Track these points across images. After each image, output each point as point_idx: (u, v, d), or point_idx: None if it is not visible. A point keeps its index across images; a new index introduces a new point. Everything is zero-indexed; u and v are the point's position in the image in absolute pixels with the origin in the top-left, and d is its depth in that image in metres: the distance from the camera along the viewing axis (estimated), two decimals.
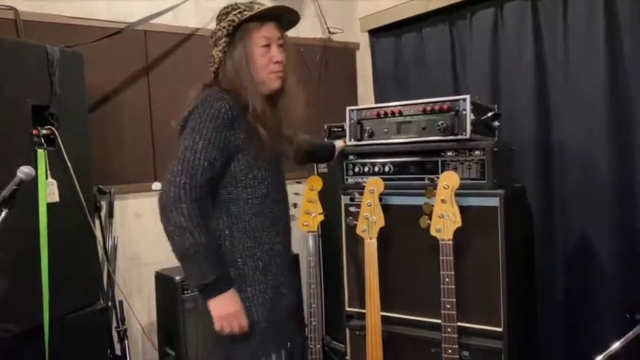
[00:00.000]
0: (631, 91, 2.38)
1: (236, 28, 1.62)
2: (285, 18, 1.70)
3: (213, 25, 1.74)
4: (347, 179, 2.48)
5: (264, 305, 1.62)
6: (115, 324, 2.75)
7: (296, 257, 3.18)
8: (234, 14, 1.62)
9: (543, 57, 2.69)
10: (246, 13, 1.62)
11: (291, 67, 1.72)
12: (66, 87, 2.30)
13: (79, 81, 2.45)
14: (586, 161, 2.52)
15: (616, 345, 1.83)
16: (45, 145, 2.20)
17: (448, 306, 2.02)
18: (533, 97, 2.70)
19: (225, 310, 1.53)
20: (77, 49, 2.51)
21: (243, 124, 1.59)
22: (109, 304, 2.70)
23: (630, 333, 1.83)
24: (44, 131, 2.21)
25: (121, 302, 2.78)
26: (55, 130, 2.24)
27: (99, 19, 2.81)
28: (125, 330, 2.75)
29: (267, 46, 1.64)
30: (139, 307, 2.94)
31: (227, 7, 1.67)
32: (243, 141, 1.58)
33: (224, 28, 1.62)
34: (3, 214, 1.60)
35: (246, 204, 1.60)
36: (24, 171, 1.65)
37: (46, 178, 2.19)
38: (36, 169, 1.92)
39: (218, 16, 1.68)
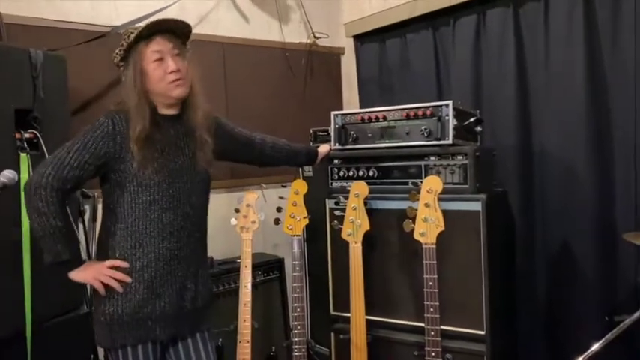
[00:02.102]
0: (610, 95, 2.43)
1: (127, 52, 1.73)
2: (177, 28, 1.78)
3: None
4: (332, 183, 2.50)
5: (131, 302, 1.72)
6: None
7: (281, 261, 3.19)
8: (124, 39, 1.73)
9: (525, 63, 2.74)
10: (132, 35, 1.71)
11: (196, 75, 1.82)
12: (49, 90, 2.29)
13: (63, 84, 2.43)
14: (566, 166, 2.56)
15: (595, 346, 1.87)
16: (28, 149, 2.18)
17: (432, 309, 2.04)
18: (515, 103, 2.74)
19: (86, 275, 1.72)
20: (61, 52, 2.50)
21: (130, 138, 1.71)
22: (92, 308, 2.67)
23: (609, 334, 1.87)
24: (27, 135, 2.19)
25: None
26: (38, 134, 2.22)
27: (83, 23, 2.79)
28: None
29: (160, 59, 1.73)
30: None
31: (122, 37, 1.76)
32: (124, 153, 1.70)
33: (117, 54, 1.75)
34: None
35: (130, 208, 1.73)
36: (7, 175, 1.65)
37: None
38: (19, 173, 1.91)
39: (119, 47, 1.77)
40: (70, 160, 1.67)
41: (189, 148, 1.82)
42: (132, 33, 1.72)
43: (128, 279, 1.71)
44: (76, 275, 1.73)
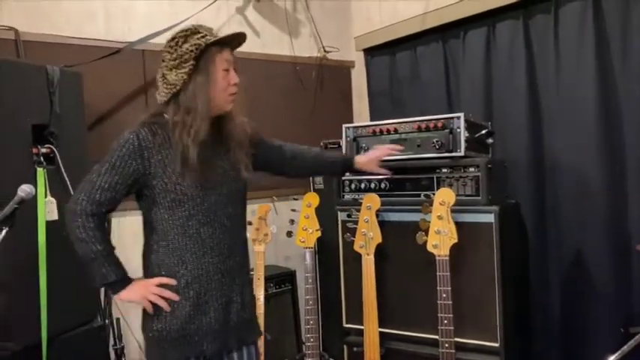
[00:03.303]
0: (621, 106, 2.43)
1: (202, 52, 1.67)
2: (237, 42, 1.77)
3: None
4: (344, 196, 2.50)
5: (178, 319, 1.69)
6: (112, 342, 2.74)
7: (293, 273, 3.20)
8: (198, 38, 1.66)
9: (535, 74, 2.74)
10: (208, 37, 1.66)
11: (241, 88, 1.79)
12: (65, 106, 2.33)
13: (79, 100, 2.48)
14: (579, 176, 2.55)
15: (611, 359, 1.85)
16: (44, 163, 2.22)
17: (445, 322, 2.04)
18: (526, 114, 2.74)
19: (134, 295, 1.69)
20: (76, 68, 2.55)
21: (160, 151, 1.67)
22: (107, 321, 2.69)
23: (625, 347, 1.85)
24: (44, 150, 2.23)
25: (118, 320, 2.78)
26: (55, 149, 2.26)
27: (98, 39, 2.85)
28: (122, 348, 2.74)
29: (227, 70, 1.71)
30: (136, 325, 2.91)
31: (186, 30, 1.69)
32: (155, 168, 1.66)
33: (190, 51, 1.65)
34: (3, 232, 1.61)
35: (168, 224, 1.69)
36: (25, 190, 1.67)
37: (46, 196, 2.20)
38: (35, 187, 1.94)
39: (174, 38, 1.68)
40: (101, 182, 1.64)
41: (224, 159, 1.77)
42: (201, 34, 1.66)
43: (176, 297, 1.68)
44: (125, 295, 1.70)
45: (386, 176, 2.28)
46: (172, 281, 1.69)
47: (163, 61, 1.69)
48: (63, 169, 2.29)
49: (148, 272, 1.75)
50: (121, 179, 1.65)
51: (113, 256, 1.70)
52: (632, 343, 1.85)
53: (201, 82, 1.66)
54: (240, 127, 1.79)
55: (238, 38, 1.75)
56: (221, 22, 3.23)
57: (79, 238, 1.64)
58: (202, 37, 1.65)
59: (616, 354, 1.85)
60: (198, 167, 1.66)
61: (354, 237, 2.28)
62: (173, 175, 1.66)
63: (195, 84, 1.66)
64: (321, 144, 3.15)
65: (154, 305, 1.70)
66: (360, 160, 2.15)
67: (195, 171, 1.65)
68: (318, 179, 3.13)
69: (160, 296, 1.68)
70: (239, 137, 1.79)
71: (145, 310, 1.73)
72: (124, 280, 1.70)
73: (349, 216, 2.41)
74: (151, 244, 1.74)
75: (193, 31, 1.67)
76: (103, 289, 2.72)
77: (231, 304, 1.75)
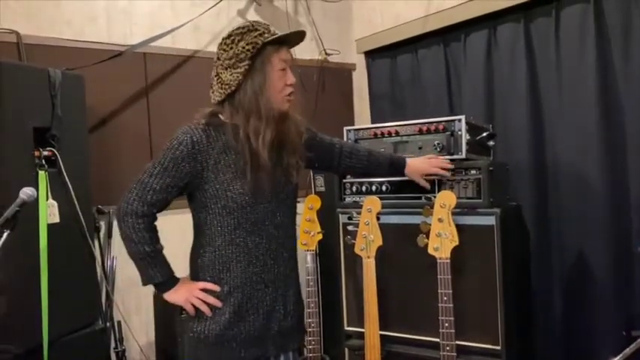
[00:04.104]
0: (623, 108, 2.42)
1: (259, 51, 1.60)
2: (295, 41, 1.71)
3: (211, 48, 1.75)
4: (345, 198, 2.50)
5: (218, 324, 1.67)
6: (113, 345, 2.74)
7: None
8: (255, 36, 1.59)
9: (536, 77, 2.74)
10: (266, 35, 1.60)
11: (297, 88, 1.74)
12: (67, 109, 2.34)
13: (80, 103, 2.48)
14: (580, 179, 2.55)
15: None
16: (46, 166, 2.22)
17: (446, 324, 2.03)
18: (528, 117, 2.74)
19: (179, 297, 1.69)
20: (78, 71, 2.55)
21: (214, 155, 1.62)
22: (108, 324, 2.70)
23: (627, 349, 1.84)
24: (45, 152, 2.24)
25: (119, 323, 2.78)
26: (56, 152, 2.26)
27: (99, 42, 2.86)
28: (124, 351, 2.75)
29: (284, 69, 1.65)
30: (138, 328, 2.94)
31: (242, 27, 1.62)
32: (208, 172, 1.63)
33: (247, 50, 1.58)
34: (4, 235, 1.61)
35: (217, 231, 1.67)
36: (26, 192, 1.67)
37: (47, 199, 2.21)
38: (37, 190, 1.94)
39: (230, 36, 1.62)
40: (153, 184, 1.61)
41: (277, 164, 1.71)
42: (259, 32, 1.60)
43: (219, 304, 1.67)
44: (169, 296, 1.71)
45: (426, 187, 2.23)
46: (216, 287, 1.67)
47: (218, 59, 1.64)
48: (64, 172, 2.30)
49: (194, 275, 1.74)
50: (173, 182, 1.62)
51: (161, 257, 1.69)
52: (634, 346, 1.84)
53: (258, 83, 1.60)
54: (295, 130, 1.74)
55: (298, 36, 1.68)
56: (222, 25, 3.24)
57: (128, 238, 1.64)
58: (260, 34, 1.60)
59: (618, 357, 1.84)
60: (255, 175, 1.62)
61: (355, 240, 2.28)
62: (225, 182, 1.62)
63: (252, 85, 1.60)
64: None
65: (196, 309, 1.69)
66: (409, 168, 2.14)
67: (237, 181, 1.62)
68: (320, 182, 3.12)
69: (204, 301, 1.67)
70: (294, 141, 1.73)
71: (186, 311, 1.72)
72: (170, 281, 1.70)
73: (350, 218, 2.41)
74: (199, 247, 1.72)
75: (250, 28, 1.61)
76: (103, 291, 2.74)
77: (273, 313, 1.72)
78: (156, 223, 1.69)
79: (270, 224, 1.70)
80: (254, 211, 1.66)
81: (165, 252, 1.71)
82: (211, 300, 1.67)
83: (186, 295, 1.68)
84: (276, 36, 1.61)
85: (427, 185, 2.19)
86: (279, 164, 1.72)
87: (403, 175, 2.16)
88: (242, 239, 1.66)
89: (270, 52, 1.61)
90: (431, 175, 2.17)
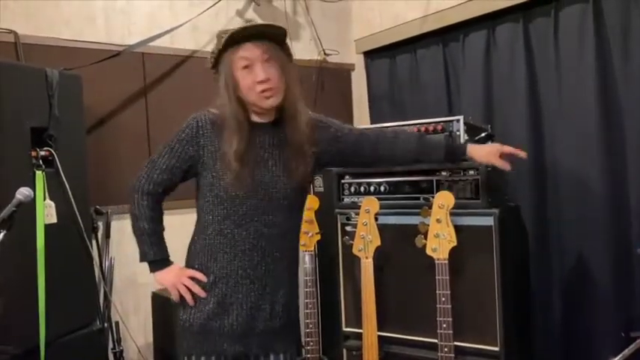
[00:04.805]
0: (622, 108, 2.41)
1: (217, 59, 1.66)
2: (268, 33, 1.66)
3: (210, 48, 1.75)
4: (343, 199, 2.50)
5: (203, 314, 1.70)
6: (111, 345, 2.73)
7: None
8: (215, 44, 1.67)
9: (535, 77, 2.73)
10: (222, 40, 1.64)
11: (293, 79, 1.70)
12: (64, 109, 2.33)
13: (78, 103, 2.48)
14: (579, 179, 2.54)
15: None
16: (43, 166, 2.22)
17: (444, 325, 2.03)
18: (526, 117, 2.73)
19: (166, 280, 1.74)
20: (76, 71, 2.55)
21: (214, 143, 1.66)
22: (106, 325, 2.69)
23: (626, 350, 1.84)
24: (42, 153, 2.23)
25: (117, 323, 2.78)
26: (54, 152, 2.26)
27: (98, 42, 2.85)
28: (121, 351, 2.74)
29: (248, 67, 1.62)
30: (136, 328, 2.93)
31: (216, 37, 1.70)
32: (207, 159, 1.67)
33: (209, 60, 1.70)
34: (1, 235, 1.61)
35: (209, 219, 1.70)
36: (23, 192, 1.67)
37: (44, 199, 2.20)
38: (34, 190, 1.94)
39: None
40: (160, 163, 1.70)
41: (275, 161, 1.69)
42: (222, 37, 1.63)
43: (203, 294, 1.70)
44: (159, 277, 1.76)
45: (506, 168, 1.90)
46: (204, 277, 1.70)
47: None
48: (62, 172, 2.29)
49: (186, 260, 1.78)
50: (178, 163, 1.69)
51: (158, 236, 1.75)
52: (633, 347, 1.83)
53: (222, 85, 1.66)
54: (300, 129, 1.69)
55: (256, 30, 1.63)
56: (221, 25, 3.23)
57: (132, 214, 1.72)
58: (218, 41, 1.66)
59: (617, 358, 1.84)
60: (239, 169, 1.62)
61: (353, 240, 2.28)
62: (221, 171, 1.65)
63: (220, 87, 1.66)
64: None
65: (181, 297, 1.72)
66: (477, 152, 1.87)
67: (235, 171, 1.62)
68: (318, 182, 3.12)
69: (189, 290, 1.70)
70: (298, 141, 1.69)
71: (181, 297, 1.74)
72: (162, 262, 1.75)
73: (348, 219, 2.40)
74: (194, 234, 1.77)
75: (217, 35, 1.68)
76: (101, 291, 2.73)
77: (258, 311, 1.71)
78: (163, 207, 1.76)
79: (259, 221, 1.69)
80: (243, 205, 1.67)
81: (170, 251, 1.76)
82: (196, 289, 1.70)
83: (174, 279, 1.72)
84: (226, 36, 1.61)
85: (508, 166, 1.89)
86: (282, 163, 1.70)
87: (461, 160, 1.93)
88: (230, 231, 1.68)
89: (229, 53, 1.64)
90: (507, 152, 1.89)
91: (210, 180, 1.67)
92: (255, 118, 1.70)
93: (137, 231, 1.72)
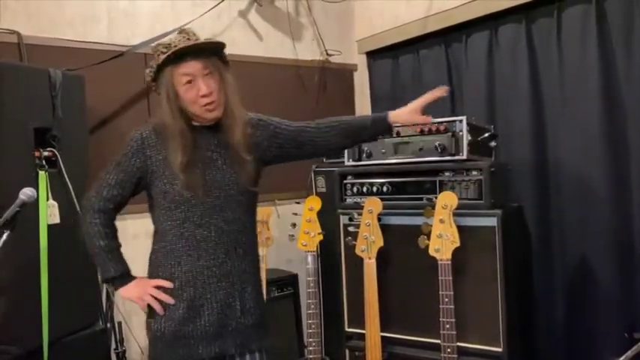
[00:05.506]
0: (625, 109, 2.41)
1: (157, 73, 1.70)
2: (206, 50, 1.70)
3: None
4: (345, 199, 2.50)
5: (174, 321, 1.71)
6: (113, 345, 2.73)
7: (295, 277, 3.19)
8: (154, 59, 1.70)
9: (538, 77, 2.73)
10: (162, 56, 1.66)
11: (231, 86, 1.75)
12: (68, 109, 2.33)
13: (81, 103, 2.48)
14: (583, 180, 2.54)
15: None
16: (46, 166, 2.21)
17: (447, 326, 2.03)
18: (529, 117, 2.73)
19: (131, 293, 1.75)
20: (79, 72, 2.55)
21: (161, 151, 1.71)
22: (108, 325, 2.69)
23: (629, 352, 1.83)
24: (46, 153, 2.23)
25: (119, 323, 2.77)
26: (57, 152, 2.26)
27: (100, 43, 2.85)
28: (124, 351, 2.74)
29: (190, 82, 1.68)
30: (138, 329, 2.92)
31: (152, 52, 1.73)
32: (156, 167, 1.71)
33: (148, 74, 1.73)
34: (4, 235, 1.61)
35: (168, 225, 1.73)
36: (26, 193, 1.67)
37: (47, 199, 2.20)
38: (37, 190, 1.94)
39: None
40: (108, 180, 1.73)
41: (224, 160, 1.76)
42: (161, 52, 1.67)
43: (171, 300, 1.70)
44: (123, 292, 1.76)
45: (427, 122, 2.04)
46: (169, 284, 1.71)
47: None
48: (65, 173, 2.29)
49: (149, 272, 1.79)
50: (126, 176, 1.72)
51: (116, 252, 1.76)
52: (636, 348, 1.83)
53: (164, 99, 1.70)
54: (238, 133, 1.75)
55: (200, 49, 1.68)
56: (223, 25, 3.24)
57: (86, 232, 1.74)
58: (158, 56, 1.69)
59: (620, 358, 1.84)
60: (188, 171, 1.68)
61: (356, 241, 2.27)
62: (172, 176, 1.69)
63: (161, 100, 1.71)
64: None
65: (149, 306, 1.72)
66: (399, 116, 1.90)
67: (185, 173, 1.67)
68: (321, 182, 3.12)
69: (156, 299, 1.70)
70: (237, 143, 1.75)
71: (150, 308, 1.74)
72: (123, 277, 1.75)
73: (351, 220, 2.40)
74: (154, 244, 1.79)
75: (154, 50, 1.71)
76: (104, 292, 2.73)
77: (229, 309, 1.74)
78: (116, 222, 1.79)
79: (219, 218, 1.73)
80: (201, 205, 1.71)
81: (144, 261, 1.77)
82: (163, 297, 1.71)
83: (139, 291, 1.73)
84: (165, 55, 1.65)
85: (429, 119, 1.97)
86: (229, 163, 1.76)
87: (390, 131, 1.99)
88: (190, 232, 1.71)
89: (170, 69, 1.67)
90: (427, 101, 1.95)
91: (163, 187, 1.71)
92: (196, 123, 1.76)
93: (92, 249, 1.73)
